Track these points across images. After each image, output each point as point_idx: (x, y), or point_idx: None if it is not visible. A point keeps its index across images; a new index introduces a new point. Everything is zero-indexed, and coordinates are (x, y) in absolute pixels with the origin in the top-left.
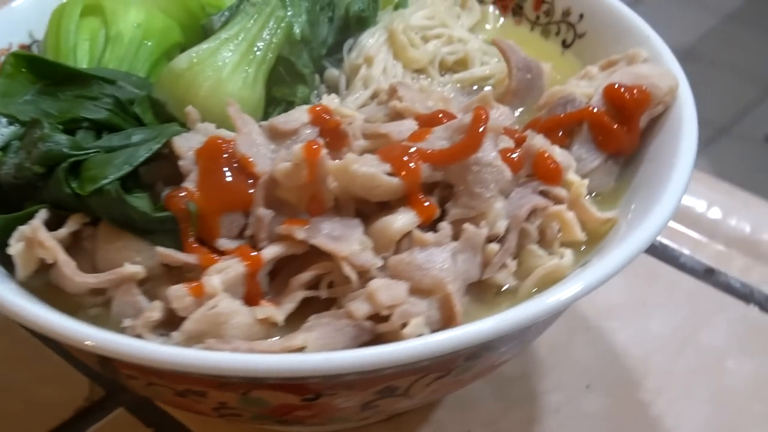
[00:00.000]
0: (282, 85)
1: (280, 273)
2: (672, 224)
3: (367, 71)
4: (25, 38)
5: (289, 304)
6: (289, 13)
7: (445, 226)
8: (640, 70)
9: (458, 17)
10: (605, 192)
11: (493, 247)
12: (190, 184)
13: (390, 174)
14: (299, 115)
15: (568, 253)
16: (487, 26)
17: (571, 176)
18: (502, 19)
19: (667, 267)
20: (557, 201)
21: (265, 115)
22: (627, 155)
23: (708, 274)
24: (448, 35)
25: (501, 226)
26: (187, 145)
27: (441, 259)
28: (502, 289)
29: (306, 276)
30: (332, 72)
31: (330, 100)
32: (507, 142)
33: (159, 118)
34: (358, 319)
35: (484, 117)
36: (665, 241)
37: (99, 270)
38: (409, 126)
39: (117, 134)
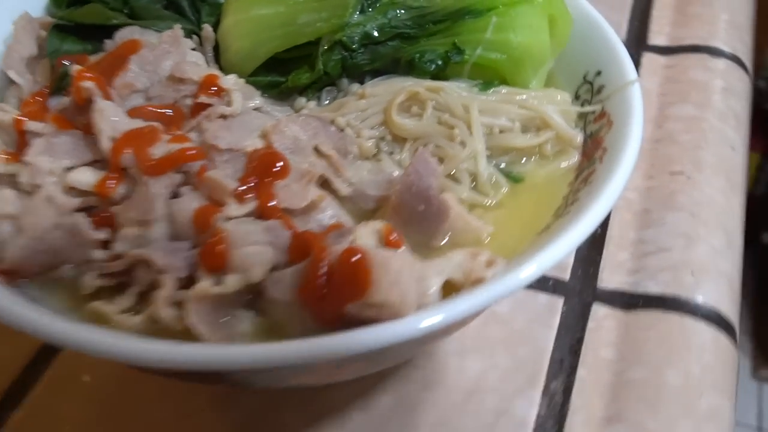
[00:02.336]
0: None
1: None
2: None
3: (345, 101)
4: None
5: None
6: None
7: None
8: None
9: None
10: None
11: None
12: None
13: None
14: (200, 71)
15: None
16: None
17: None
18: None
19: None
20: None
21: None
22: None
23: None
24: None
25: None
26: (126, 35)
27: None
28: None
29: None
30: (353, 87)
31: (230, 79)
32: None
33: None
34: None
35: None
36: None
37: None
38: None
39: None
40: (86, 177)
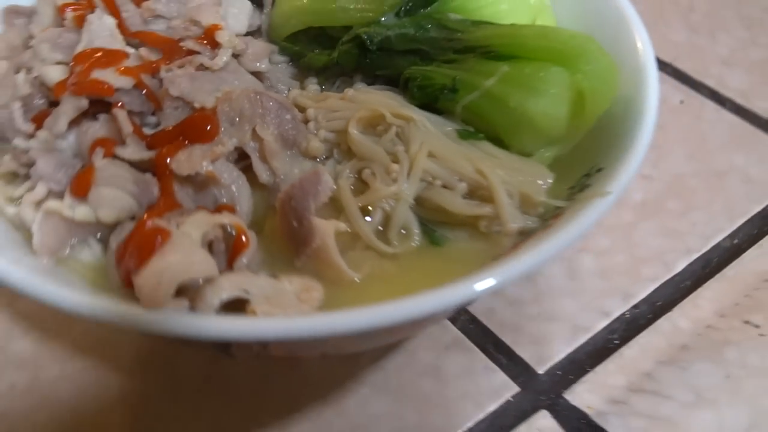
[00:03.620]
0: None
1: None
2: None
3: (329, 95)
4: None
5: None
6: None
7: None
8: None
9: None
10: None
11: None
12: None
13: None
14: (211, 17)
15: None
16: None
17: None
18: None
19: None
20: None
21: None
22: None
23: None
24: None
25: None
26: None
27: None
28: None
29: None
30: (356, 86)
31: (224, 35)
32: None
33: None
34: None
35: None
36: None
37: None
38: None
39: None
40: (51, 74)
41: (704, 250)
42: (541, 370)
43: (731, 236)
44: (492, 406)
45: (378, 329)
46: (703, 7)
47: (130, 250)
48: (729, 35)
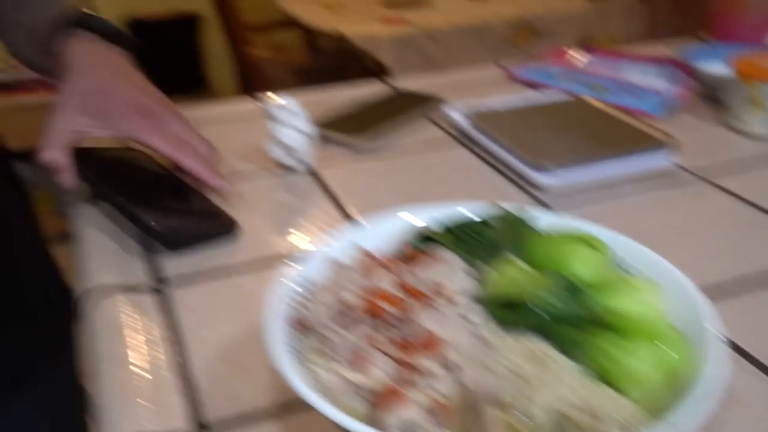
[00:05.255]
0: None
1: None
2: None
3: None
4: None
5: None
6: None
7: None
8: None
9: None
10: None
11: None
12: None
13: None
14: (440, 280)
15: None
16: None
17: None
18: None
19: None
20: None
21: None
22: None
23: None
24: None
25: None
26: (439, 251)
27: None
28: None
29: None
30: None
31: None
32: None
33: None
34: None
35: None
36: None
37: None
38: None
39: None
40: (349, 298)
41: None
42: None
43: None
44: None
45: None
46: None
47: (380, 397)
48: None
